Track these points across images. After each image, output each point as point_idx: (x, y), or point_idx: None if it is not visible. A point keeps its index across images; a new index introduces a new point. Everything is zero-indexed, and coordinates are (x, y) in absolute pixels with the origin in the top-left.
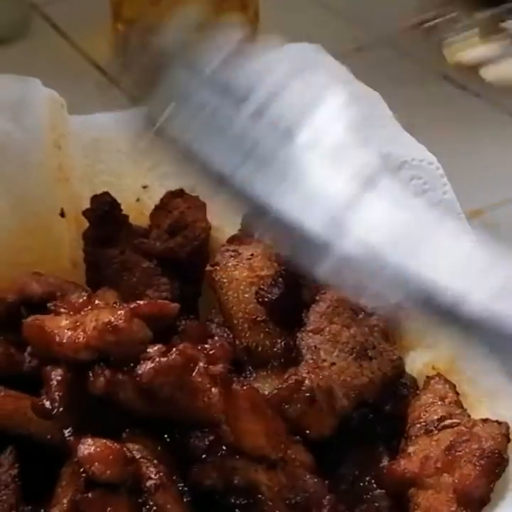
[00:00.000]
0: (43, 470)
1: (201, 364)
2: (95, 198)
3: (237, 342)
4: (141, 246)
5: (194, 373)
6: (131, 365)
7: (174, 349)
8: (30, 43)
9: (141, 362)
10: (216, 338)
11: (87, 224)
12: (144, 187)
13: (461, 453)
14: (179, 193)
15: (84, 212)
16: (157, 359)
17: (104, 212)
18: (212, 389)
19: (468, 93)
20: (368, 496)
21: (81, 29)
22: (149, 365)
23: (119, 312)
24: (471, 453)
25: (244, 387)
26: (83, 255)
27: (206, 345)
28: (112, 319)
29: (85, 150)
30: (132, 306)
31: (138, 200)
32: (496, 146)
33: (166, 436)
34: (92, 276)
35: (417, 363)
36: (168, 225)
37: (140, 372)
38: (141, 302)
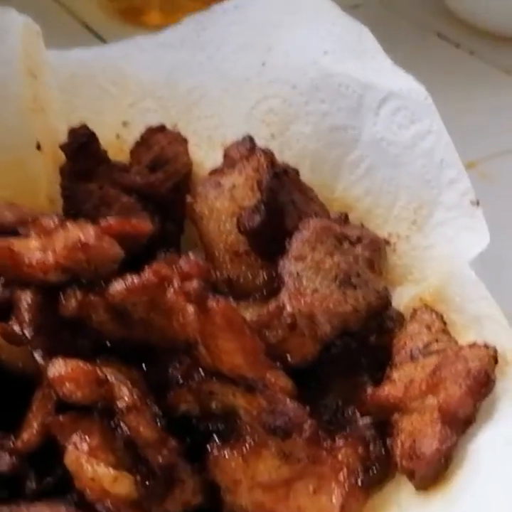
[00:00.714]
0: (15, 399)
1: (175, 283)
2: (73, 131)
3: (219, 274)
4: (121, 180)
5: (169, 293)
6: (103, 286)
7: (147, 267)
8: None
9: (113, 281)
10: (190, 253)
11: (64, 158)
12: (124, 123)
13: (446, 374)
14: (160, 129)
15: (62, 146)
16: (129, 278)
17: (82, 145)
18: (188, 307)
19: (463, 50)
20: (352, 427)
21: None
22: (121, 284)
23: (88, 230)
24: (456, 374)
25: (221, 303)
26: (60, 190)
27: (180, 262)
28: (82, 237)
29: (62, 85)
30: (102, 223)
31: (118, 136)
32: (490, 102)
33: (142, 363)
34: (69, 211)
35: (404, 297)
36: (149, 160)
37: (112, 291)
38: (112, 220)
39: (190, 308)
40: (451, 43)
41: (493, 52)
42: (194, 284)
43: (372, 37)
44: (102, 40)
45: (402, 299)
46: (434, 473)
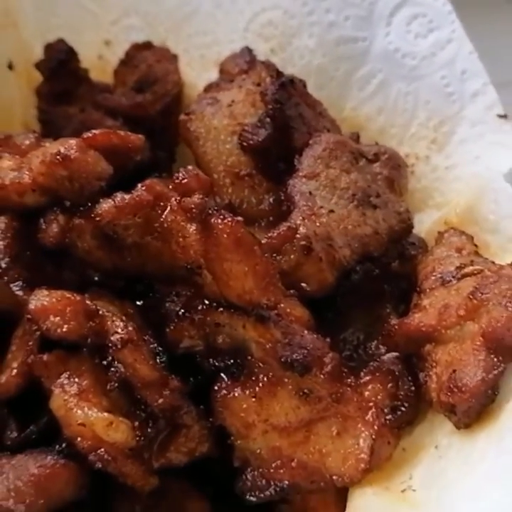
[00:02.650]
0: None
1: (173, 200)
2: (49, 47)
3: (219, 199)
4: (105, 102)
5: (166, 212)
6: (89, 206)
7: (140, 185)
8: None
9: (100, 201)
10: (190, 167)
11: (40, 78)
12: (107, 42)
13: (488, 295)
14: (147, 46)
15: (37, 64)
16: (119, 196)
17: (60, 63)
18: (188, 226)
19: None
20: (376, 362)
21: None
22: (110, 203)
23: (70, 142)
24: (500, 294)
25: (226, 220)
26: (37, 114)
27: (177, 175)
28: (62, 150)
29: (37, 2)
30: (86, 135)
31: (100, 57)
32: (496, 30)
33: (137, 300)
34: (47, 137)
35: (425, 223)
36: (135, 81)
37: (99, 211)
38: (97, 131)
39: (192, 228)
40: None
41: None
42: (195, 200)
43: None
44: None
45: (423, 224)
46: (478, 406)
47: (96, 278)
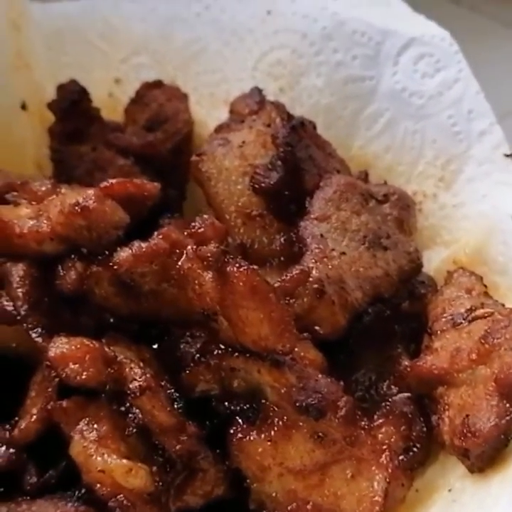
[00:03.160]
0: (10, 384)
1: (189, 247)
2: (61, 88)
3: (231, 239)
4: (116, 141)
5: (182, 259)
6: (106, 254)
7: (156, 233)
8: None
9: (118, 250)
10: (205, 216)
11: (52, 119)
12: (117, 81)
13: (500, 340)
14: (157, 84)
15: (50, 104)
16: (136, 245)
17: (72, 103)
18: (205, 274)
19: (463, 6)
20: (388, 403)
21: None
22: (127, 251)
23: (88, 192)
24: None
25: (242, 269)
26: (49, 154)
27: (194, 224)
28: (80, 200)
29: (48, 41)
30: (103, 185)
31: (110, 95)
32: (494, 57)
33: (152, 343)
34: (59, 176)
35: (433, 261)
36: (146, 119)
37: (117, 260)
38: (114, 181)
39: (208, 276)
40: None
41: (494, 7)
42: (211, 248)
43: None
44: None
45: (431, 263)
46: (492, 451)
47: (111, 320)
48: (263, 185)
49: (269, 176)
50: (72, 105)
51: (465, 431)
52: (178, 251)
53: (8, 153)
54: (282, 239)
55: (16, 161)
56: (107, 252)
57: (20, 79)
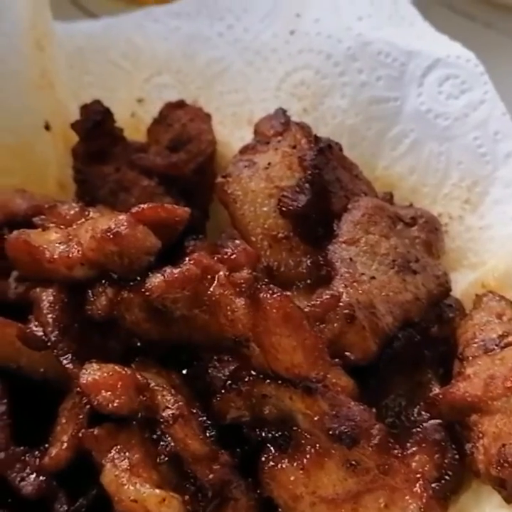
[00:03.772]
0: (40, 409)
1: (221, 273)
2: (85, 108)
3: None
4: (140, 162)
5: (214, 285)
6: (138, 280)
7: (187, 259)
8: None
9: (149, 275)
10: (238, 242)
11: (76, 139)
12: (140, 100)
13: None
14: (180, 105)
15: (73, 125)
16: (168, 271)
17: (96, 124)
18: (237, 300)
19: (478, 23)
20: (419, 429)
21: None
22: (159, 277)
23: (120, 218)
24: None
25: (276, 295)
26: (72, 174)
27: (226, 250)
28: (113, 226)
29: (70, 60)
30: (135, 210)
31: (133, 115)
32: (509, 75)
33: (181, 368)
34: (83, 197)
35: (460, 283)
36: (169, 139)
37: (149, 285)
38: (145, 206)
39: (240, 302)
40: (465, 16)
41: (509, 23)
42: (244, 275)
43: (409, 2)
44: (93, 17)
45: (458, 285)
46: None
47: (139, 344)
48: (291, 208)
49: (297, 198)
50: (96, 126)
51: (501, 460)
52: (209, 276)
53: (32, 172)
54: (309, 261)
55: (39, 180)
56: (138, 278)
57: (44, 98)
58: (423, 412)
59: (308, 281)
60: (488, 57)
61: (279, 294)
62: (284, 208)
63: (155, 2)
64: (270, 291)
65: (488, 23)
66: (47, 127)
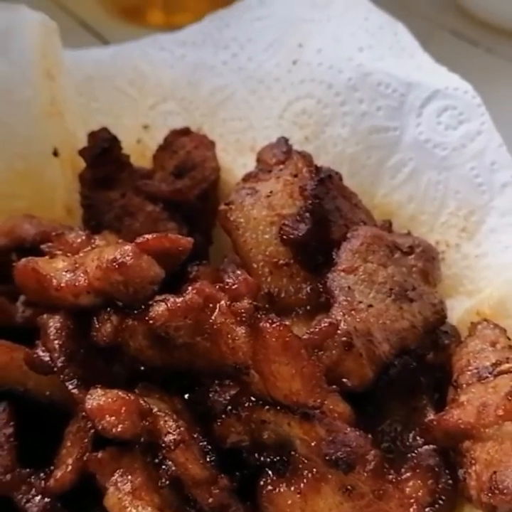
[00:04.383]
0: (45, 432)
1: (223, 302)
2: (93, 135)
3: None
4: (145, 188)
5: (215, 313)
6: (142, 308)
7: (190, 288)
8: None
9: (153, 304)
10: (238, 272)
11: (83, 165)
12: (145, 127)
13: None
14: (185, 132)
15: (81, 151)
16: (171, 300)
17: (103, 150)
18: (237, 329)
19: (480, 48)
20: (414, 454)
21: None
22: (162, 306)
23: (125, 248)
24: None
25: (275, 325)
26: (79, 199)
27: (228, 280)
28: (118, 256)
29: (79, 88)
30: (139, 240)
31: (139, 141)
32: (510, 99)
33: (183, 393)
34: (89, 222)
35: (456, 310)
36: (174, 166)
37: (152, 314)
38: (149, 236)
39: (241, 331)
40: (468, 41)
41: (511, 49)
42: (245, 304)
43: (409, 33)
44: (103, 40)
45: (454, 312)
46: None
47: (142, 368)
48: (292, 236)
49: (297, 227)
50: (103, 152)
51: (492, 487)
52: (211, 305)
53: (40, 197)
54: (309, 288)
55: (47, 205)
56: (142, 306)
57: (53, 126)
58: (418, 438)
59: (308, 308)
60: (489, 81)
61: (278, 323)
62: (284, 236)
63: (162, 23)
64: (270, 321)
65: (490, 48)
66: (55, 154)
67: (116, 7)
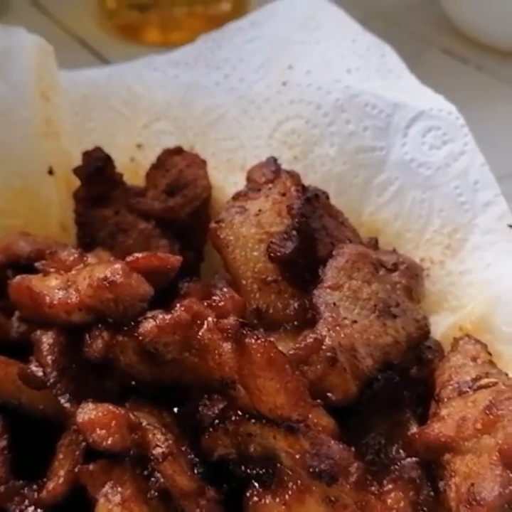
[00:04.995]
0: (38, 444)
1: (210, 319)
2: (87, 154)
3: (246, 304)
4: (138, 206)
5: (202, 330)
6: (132, 325)
7: (178, 305)
8: (11, 20)
9: (143, 320)
10: (225, 290)
11: (78, 183)
12: (139, 146)
13: (503, 411)
14: (177, 151)
15: (75, 170)
16: (160, 316)
17: (97, 169)
18: (224, 345)
19: (470, 66)
20: (396, 466)
21: (63, 5)
22: (152, 322)
23: (115, 266)
24: None
25: (260, 341)
26: (74, 217)
27: (215, 298)
28: (108, 274)
29: (74, 107)
30: (129, 259)
31: (132, 160)
32: (501, 117)
33: (173, 407)
34: (83, 239)
35: (440, 326)
36: (166, 184)
37: (142, 331)
38: (139, 255)
39: (227, 347)
40: (458, 59)
41: (500, 67)
42: (231, 321)
43: (396, 55)
44: (101, 58)
45: (438, 327)
46: None
47: (133, 383)
48: (279, 253)
49: (284, 245)
50: (97, 171)
51: (470, 499)
52: (199, 322)
53: (35, 215)
54: (296, 304)
55: (42, 222)
56: (132, 323)
57: (49, 145)
58: (401, 451)
59: (296, 323)
60: (479, 99)
61: (263, 339)
62: (272, 254)
63: (159, 41)
64: (255, 337)
65: (480, 66)
66: (50, 172)
67: (114, 25)
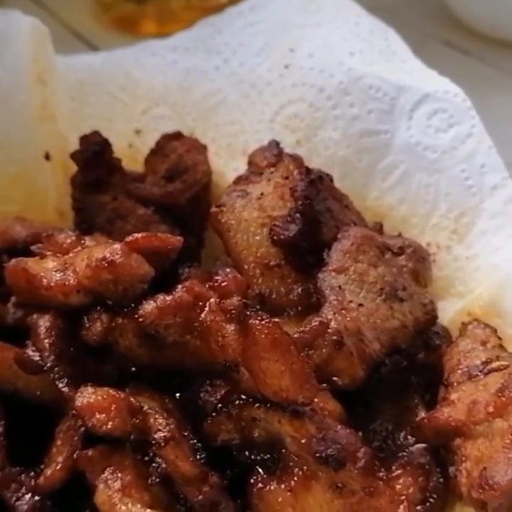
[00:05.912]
0: (36, 430)
1: (212, 300)
2: (84, 139)
3: (249, 289)
4: (137, 191)
5: (205, 311)
6: (132, 307)
7: (180, 286)
8: None
9: (143, 302)
10: (228, 270)
11: (75, 168)
12: (137, 131)
13: None
14: (176, 136)
15: (73, 155)
16: (161, 298)
17: (95, 154)
18: (227, 326)
19: (473, 58)
20: (405, 453)
21: None
22: (152, 304)
23: (114, 246)
24: None
25: (264, 321)
26: (71, 203)
27: (217, 278)
28: (107, 255)
29: (71, 92)
30: (129, 239)
31: (130, 145)
32: (503, 109)
33: (174, 393)
34: (81, 225)
35: (448, 311)
36: (165, 170)
37: (142, 312)
38: (139, 235)
39: (230, 328)
40: (461, 52)
41: (504, 59)
42: (234, 302)
43: (399, 38)
44: (96, 50)
45: (445, 313)
46: (509, 503)
47: (133, 369)
48: (282, 237)
49: (287, 228)
50: (95, 156)
51: (482, 483)
52: (200, 303)
53: (32, 201)
54: (300, 289)
55: (39, 208)
56: (132, 304)
57: (45, 130)
58: (409, 436)
59: (299, 308)
60: (481, 91)
61: (267, 320)
62: (275, 237)
63: (155, 33)
64: (259, 318)
65: (482, 58)
66: (47, 157)
67: (109, 17)
